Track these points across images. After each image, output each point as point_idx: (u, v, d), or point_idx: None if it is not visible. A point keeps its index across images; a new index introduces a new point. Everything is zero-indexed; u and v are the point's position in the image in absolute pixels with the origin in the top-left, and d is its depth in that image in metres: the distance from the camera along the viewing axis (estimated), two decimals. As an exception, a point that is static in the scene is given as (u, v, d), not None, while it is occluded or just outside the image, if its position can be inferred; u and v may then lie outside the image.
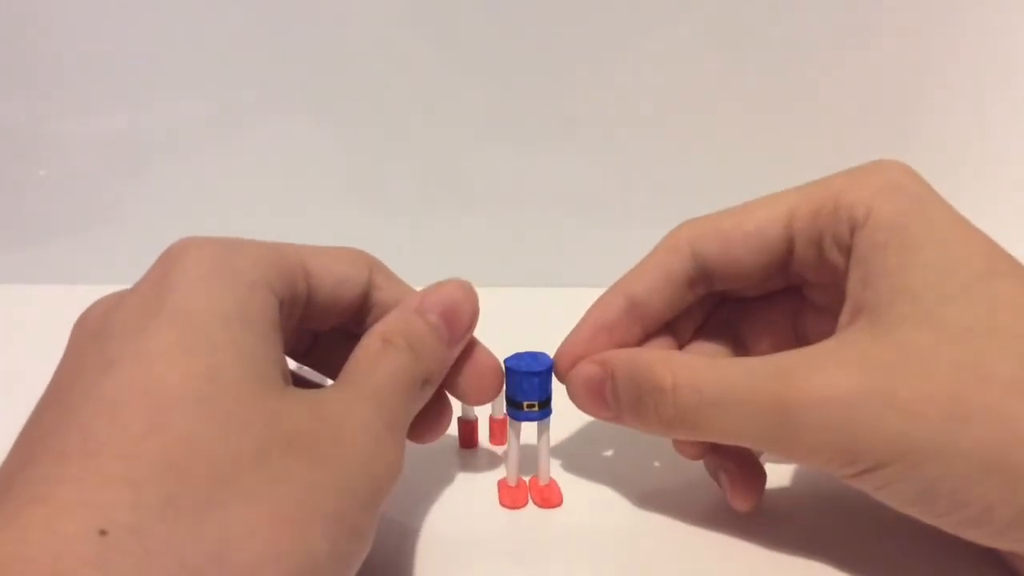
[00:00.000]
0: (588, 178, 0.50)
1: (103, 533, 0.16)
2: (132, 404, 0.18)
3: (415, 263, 0.51)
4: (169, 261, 0.22)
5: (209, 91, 0.48)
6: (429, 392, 0.25)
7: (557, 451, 0.31)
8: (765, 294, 0.30)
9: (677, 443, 0.29)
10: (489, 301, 0.47)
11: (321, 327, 0.27)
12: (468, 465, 0.31)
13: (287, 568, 0.18)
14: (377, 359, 0.24)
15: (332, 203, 0.50)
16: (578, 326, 0.29)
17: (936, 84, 0.48)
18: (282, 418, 0.20)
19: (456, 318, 0.26)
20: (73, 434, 0.18)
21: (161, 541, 0.16)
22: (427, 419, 0.27)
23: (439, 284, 0.27)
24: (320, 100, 0.48)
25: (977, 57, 0.48)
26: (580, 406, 0.28)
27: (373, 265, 0.27)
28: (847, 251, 0.25)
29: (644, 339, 0.29)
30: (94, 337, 0.21)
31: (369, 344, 0.25)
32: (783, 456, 0.24)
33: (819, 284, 0.28)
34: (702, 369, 0.25)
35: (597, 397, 0.27)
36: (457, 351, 0.27)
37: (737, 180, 0.49)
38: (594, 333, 0.28)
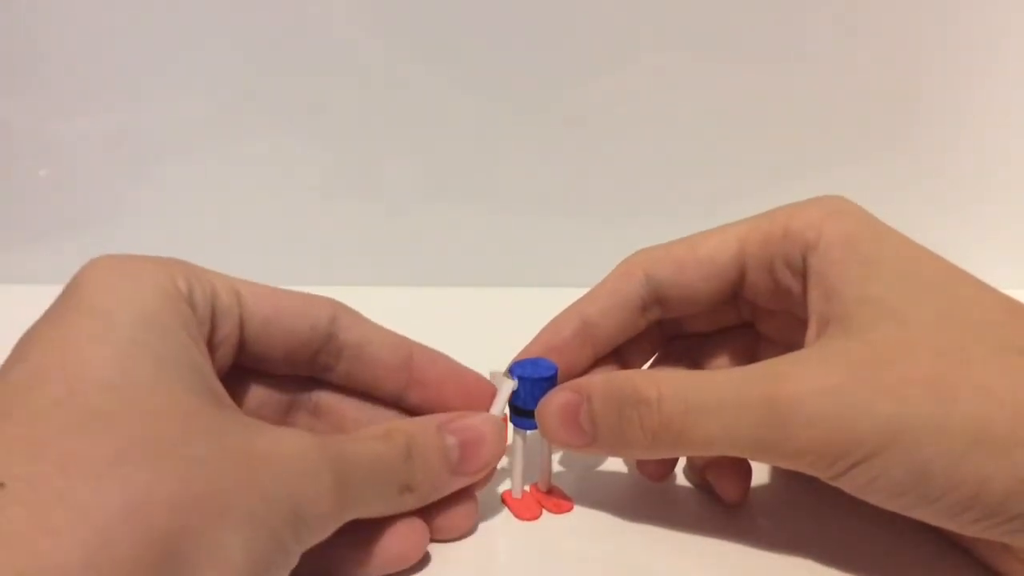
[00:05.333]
0: (587, 179, 0.50)
1: (0, 485, 0.16)
2: (42, 383, 0.19)
3: (415, 264, 0.51)
4: (79, 273, 0.22)
5: (209, 91, 0.48)
6: (409, 502, 0.24)
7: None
8: (718, 329, 0.31)
9: (641, 464, 0.29)
10: (489, 301, 0.47)
11: (279, 365, 0.26)
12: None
13: (193, 545, 0.17)
14: (364, 439, 0.24)
15: (332, 203, 0.50)
16: (529, 346, 0.29)
17: (936, 85, 0.48)
18: (203, 415, 0.20)
19: (475, 452, 0.26)
20: None
21: (59, 494, 0.16)
22: (447, 514, 0.26)
23: (474, 414, 0.27)
24: (320, 100, 0.48)
25: (977, 57, 0.48)
26: (551, 435, 0.27)
27: (338, 306, 0.27)
28: (800, 274, 0.26)
29: (593, 363, 0.30)
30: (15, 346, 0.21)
31: (370, 429, 0.25)
32: (772, 459, 0.24)
33: (771, 314, 0.29)
34: (687, 378, 0.25)
35: (571, 423, 0.26)
36: (462, 483, 0.26)
37: (737, 181, 0.49)
38: (545, 353, 0.29)
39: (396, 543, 0.25)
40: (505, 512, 0.28)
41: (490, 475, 0.27)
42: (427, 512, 0.25)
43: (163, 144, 0.48)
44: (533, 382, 0.27)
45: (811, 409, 0.22)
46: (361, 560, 0.24)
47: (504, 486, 0.29)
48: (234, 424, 0.21)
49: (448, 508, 0.26)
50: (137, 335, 0.20)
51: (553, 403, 0.26)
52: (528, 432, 0.28)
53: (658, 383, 0.24)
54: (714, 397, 0.24)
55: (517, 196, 0.50)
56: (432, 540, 0.26)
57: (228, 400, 0.22)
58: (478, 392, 0.28)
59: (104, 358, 0.19)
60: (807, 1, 0.46)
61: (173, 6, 0.46)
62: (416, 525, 0.25)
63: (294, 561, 0.21)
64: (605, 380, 0.26)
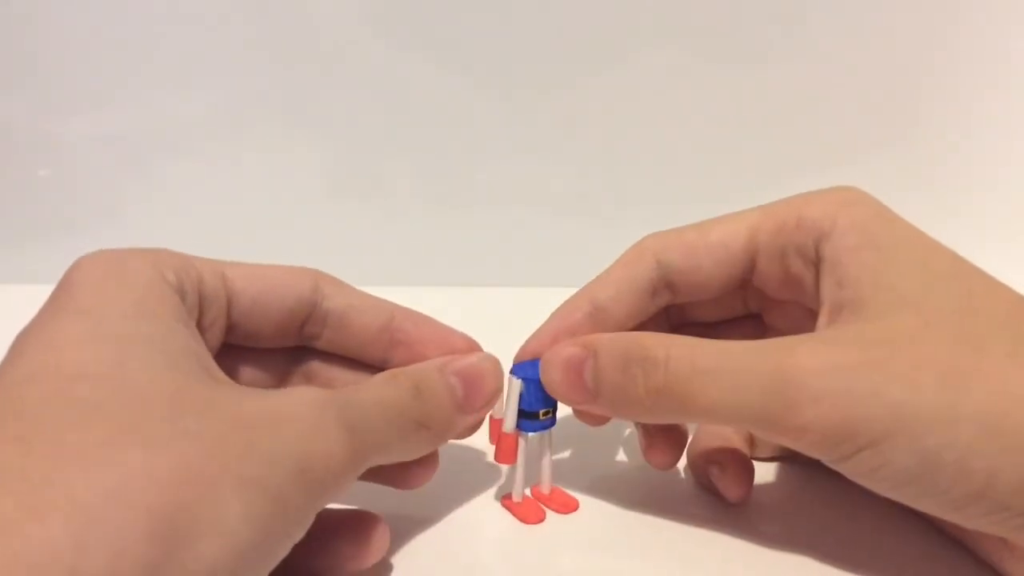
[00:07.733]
0: (587, 179, 0.50)
1: None
2: (31, 383, 0.19)
3: (413, 264, 0.51)
4: (69, 272, 0.22)
5: (209, 91, 0.48)
6: (427, 440, 0.25)
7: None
8: (726, 320, 0.30)
9: (648, 451, 0.29)
10: (489, 301, 0.47)
11: (268, 340, 0.26)
12: (463, 486, 0.30)
13: (188, 517, 0.17)
14: (370, 386, 0.24)
15: (332, 204, 0.50)
16: (540, 329, 0.29)
17: (937, 84, 0.48)
18: (194, 391, 0.20)
19: (476, 387, 0.26)
20: None
21: (48, 480, 0.16)
22: (410, 464, 0.26)
23: (467, 355, 0.27)
24: (321, 100, 0.48)
25: (978, 57, 0.48)
26: (553, 389, 0.26)
27: (319, 275, 0.27)
28: (812, 262, 0.26)
29: None
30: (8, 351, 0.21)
31: (374, 376, 0.25)
32: (775, 434, 0.23)
33: (780, 304, 0.29)
34: (697, 343, 0.24)
35: (575, 378, 0.26)
36: (470, 420, 0.26)
37: (737, 182, 0.49)
38: (555, 337, 0.28)
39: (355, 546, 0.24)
40: (509, 517, 0.28)
41: (480, 423, 0.27)
42: (391, 467, 0.25)
43: (163, 144, 0.48)
44: (537, 383, 0.27)
45: (820, 384, 0.22)
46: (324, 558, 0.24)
47: (502, 491, 0.29)
48: (228, 394, 0.21)
49: (411, 463, 0.26)
50: (126, 329, 0.20)
51: (558, 356, 0.26)
52: (530, 435, 0.28)
53: (668, 344, 0.24)
54: (723, 363, 0.23)
55: (517, 196, 0.50)
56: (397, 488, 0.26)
57: (224, 377, 0.22)
58: (464, 351, 0.28)
59: (94, 354, 0.19)
60: (808, 0, 0.46)
61: (173, 6, 0.46)
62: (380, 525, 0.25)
63: (310, 520, 0.21)
64: (613, 337, 0.26)
